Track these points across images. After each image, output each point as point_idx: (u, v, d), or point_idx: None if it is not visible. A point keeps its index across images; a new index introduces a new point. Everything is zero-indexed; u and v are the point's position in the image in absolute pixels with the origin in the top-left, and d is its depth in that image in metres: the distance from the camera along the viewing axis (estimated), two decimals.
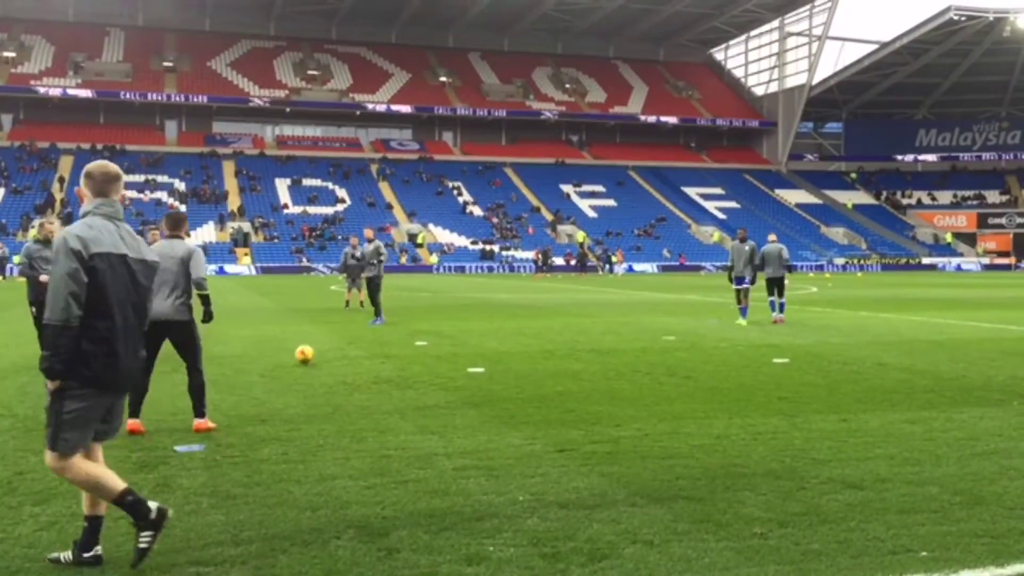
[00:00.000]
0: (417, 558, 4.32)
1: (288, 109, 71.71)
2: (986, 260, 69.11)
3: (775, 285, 17.95)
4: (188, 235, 8.00)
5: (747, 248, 17.68)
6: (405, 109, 73.36)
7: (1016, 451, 6.50)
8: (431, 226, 64.11)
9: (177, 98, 69.22)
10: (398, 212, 66.12)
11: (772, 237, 18.91)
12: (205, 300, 7.89)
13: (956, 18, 67.79)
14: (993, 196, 77.23)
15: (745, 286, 17.67)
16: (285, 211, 63.72)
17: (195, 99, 69.29)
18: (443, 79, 77.39)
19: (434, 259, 59.23)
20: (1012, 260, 68.44)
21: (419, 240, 61.60)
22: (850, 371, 10.82)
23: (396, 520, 4.90)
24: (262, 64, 73.84)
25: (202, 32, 75.15)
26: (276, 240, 59.77)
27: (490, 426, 7.49)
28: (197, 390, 7.45)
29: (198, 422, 7.38)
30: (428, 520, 4.89)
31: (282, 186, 66.78)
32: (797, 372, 10.76)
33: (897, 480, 5.70)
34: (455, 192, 69.80)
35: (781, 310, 17.97)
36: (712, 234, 61.44)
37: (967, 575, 4.05)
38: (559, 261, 58.16)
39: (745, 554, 4.34)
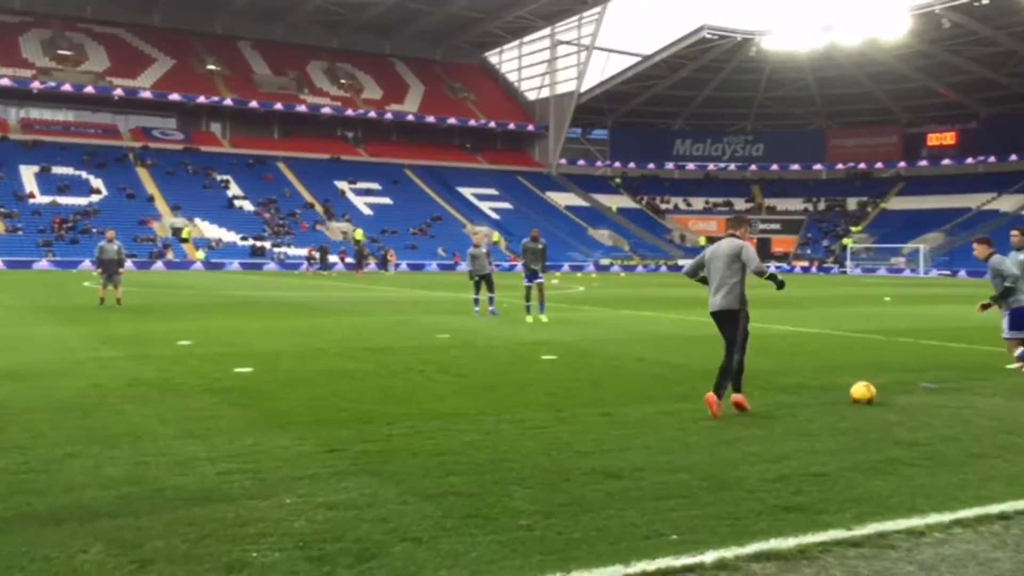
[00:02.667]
0: (173, 569, 4.09)
1: (35, 90, 66.05)
2: None
3: (485, 281, 19.53)
4: None
5: (540, 246, 18.73)
6: (170, 97, 69.61)
7: (756, 438, 7.07)
8: (197, 220, 61.25)
9: None
10: (161, 205, 62.68)
11: (477, 239, 20.55)
12: None
13: (709, 36, 72.96)
14: (740, 203, 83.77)
15: (539, 281, 18.33)
16: (31, 201, 58.72)
17: None
18: (211, 67, 74.09)
19: (201, 255, 56.63)
20: None
21: (184, 235, 58.69)
22: (613, 367, 11.37)
23: (151, 530, 4.62)
24: (5, 41, 67.56)
25: None
26: (20, 232, 54.94)
27: (257, 428, 7.24)
28: None
29: None
30: (187, 529, 4.65)
31: (28, 174, 61.49)
32: (564, 368, 11.16)
33: (652, 468, 6.04)
34: (223, 185, 67.08)
35: (491, 304, 19.54)
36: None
37: (712, 555, 4.34)
38: (333, 259, 57.28)
39: (511, 546, 4.45)
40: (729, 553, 4.37)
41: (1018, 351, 11.27)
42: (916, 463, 6.31)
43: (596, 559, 4.28)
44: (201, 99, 70.91)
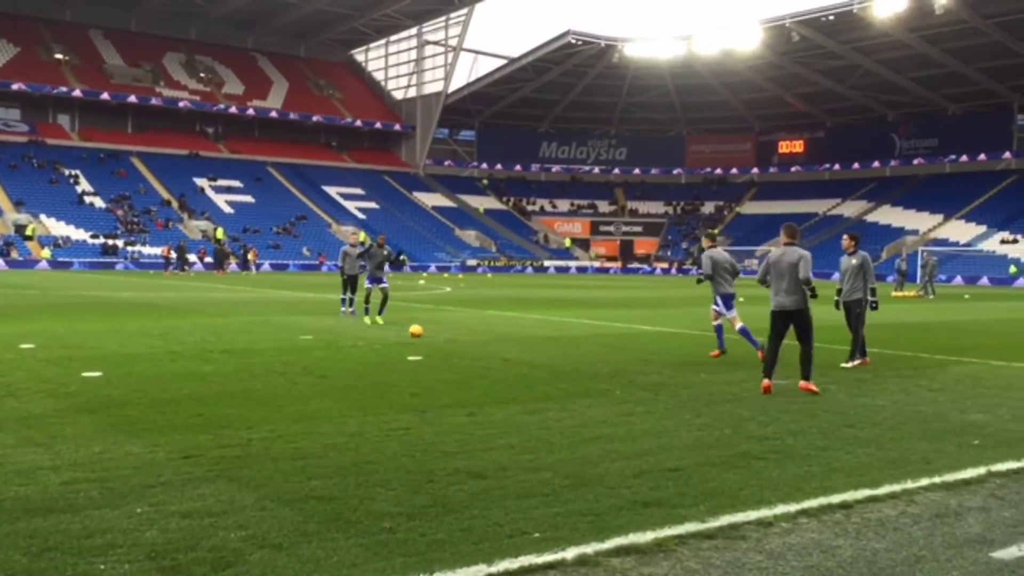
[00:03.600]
0: None
1: None
2: (597, 264, 76.48)
3: (351, 281, 19.65)
4: None
5: (384, 252, 18.92)
6: (13, 86, 65.67)
7: (617, 435, 7.24)
8: (43, 217, 58.03)
9: None
10: (3, 200, 59.07)
11: (353, 239, 20.98)
12: None
13: (574, 41, 74.24)
14: (604, 206, 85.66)
15: (383, 286, 18.29)
16: None
17: None
18: (59, 56, 70.33)
19: (46, 253, 53.67)
20: (619, 264, 76.36)
21: (28, 232, 55.49)
22: (479, 367, 11.41)
23: None
24: None
25: None
26: None
27: (106, 434, 6.92)
28: None
29: None
30: (28, 541, 4.39)
31: None
32: (430, 369, 11.13)
33: (516, 468, 6.09)
34: (72, 181, 63.80)
35: (351, 304, 19.67)
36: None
37: (573, 551, 4.42)
38: (192, 258, 55.33)
39: (373, 549, 4.40)
40: (589, 549, 4.46)
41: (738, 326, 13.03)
42: (766, 456, 6.60)
43: (459, 559, 4.28)
44: (48, 89, 67.21)
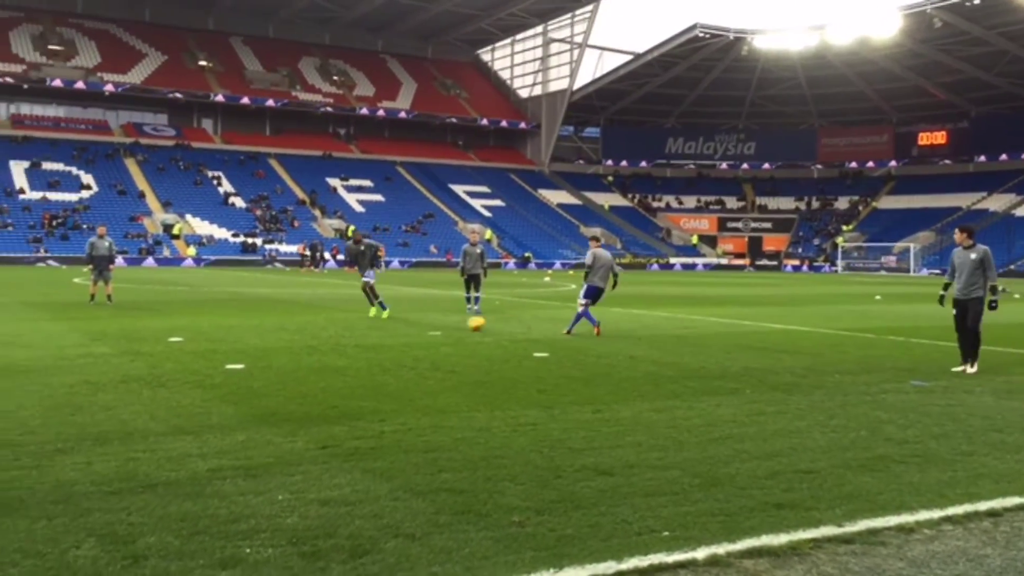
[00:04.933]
0: (166, 565, 4.09)
1: (26, 86, 65.77)
2: (724, 261, 75.03)
3: (473, 280, 19.45)
4: None
5: (362, 248, 19.10)
6: (161, 93, 69.40)
7: (747, 435, 7.10)
8: (188, 217, 61.09)
9: None
10: (152, 201, 62.48)
11: (474, 237, 20.53)
12: None
13: (701, 35, 73.03)
14: (732, 202, 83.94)
15: (365, 280, 18.70)
16: (21, 196, 58.46)
17: None
18: (202, 63, 73.89)
19: (191, 251, 56.46)
20: (747, 261, 74.70)
21: (175, 231, 58.52)
22: (604, 364, 11.38)
23: (144, 526, 4.62)
24: None
25: None
26: (10, 228, 54.70)
27: (249, 424, 7.24)
28: None
29: None
30: (179, 524, 4.65)
31: (18, 169, 61.22)
32: (556, 366, 11.18)
33: (644, 466, 6.06)
34: (215, 182, 66.92)
35: (476, 303, 19.40)
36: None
37: (704, 551, 4.36)
38: (325, 256, 57.17)
39: (504, 542, 4.46)
40: (721, 549, 4.40)
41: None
42: (906, 460, 6.35)
43: (588, 555, 4.29)
44: (193, 95, 70.74)
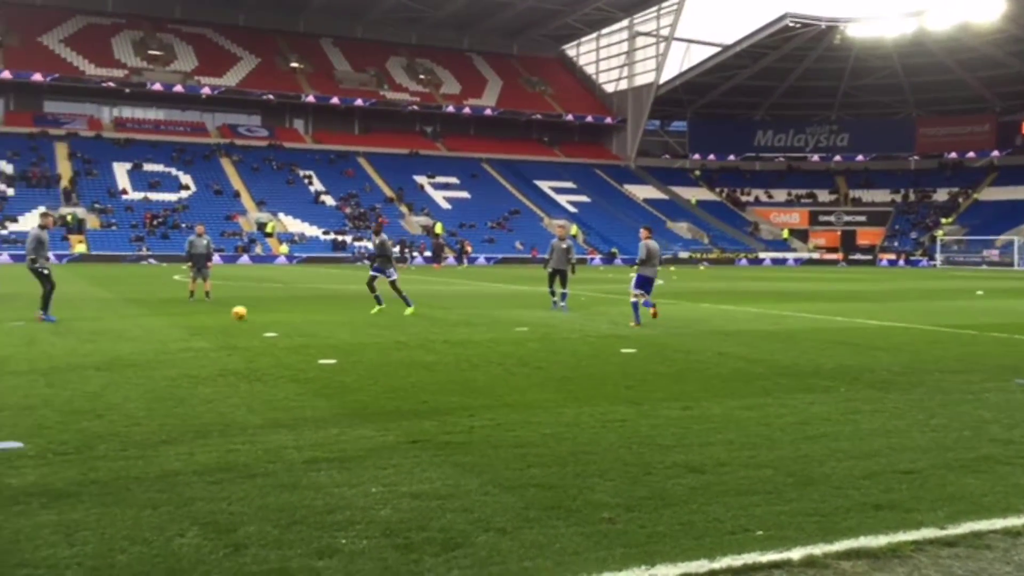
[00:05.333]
0: (266, 553, 4.21)
1: (128, 90, 68.36)
2: (816, 255, 73.30)
3: (560, 276, 19.12)
4: None
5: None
6: (255, 95, 71.29)
7: (843, 434, 6.93)
8: (281, 215, 62.59)
9: (4, 74, 64.78)
10: (246, 200, 64.20)
11: (561, 232, 20.11)
12: None
13: (792, 25, 71.45)
14: (824, 195, 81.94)
15: (384, 277, 18.33)
16: (124, 197, 60.76)
17: (24, 76, 65.03)
18: (294, 65, 75.57)
19: (284, 249, 57.85)
20: (840, 256, 72.82)
21: (268, 229, 60.02)
22: (693, 360, 11.26)
23: (244, 516, 4.76)
24: (99, 42, 70.05)
25: (33, 5, 70.60)
26: (114, 227, 56.92)
27: (341, 418, 7.39)
28: None
29: None
30: (277, 514, 4.78)
31: (121, 171, 63.64)
32: (644, 362, 11.10)
33: (736, 464, 5.97)
34: (306, 181, 68.39)
35: (563, 299, 19.17)
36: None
37: (799, 551, 4.28)
38: (413, 253, 57.92)
39: (594, 538, 4.45)
40: (817, 550, 4.31)
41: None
42: (1012, 461, 6.11)
43: (680, 553, 4.26)
44: (285, 96, 72.46)
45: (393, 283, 18.06)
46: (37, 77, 65.22)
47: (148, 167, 64.64)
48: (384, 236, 18.56)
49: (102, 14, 72.48)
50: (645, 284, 16.20)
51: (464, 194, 71.29)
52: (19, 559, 4.10)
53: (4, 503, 4.89)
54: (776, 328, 15.69)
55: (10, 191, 58.14)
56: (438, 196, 70.27)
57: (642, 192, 78.99)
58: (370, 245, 59.44)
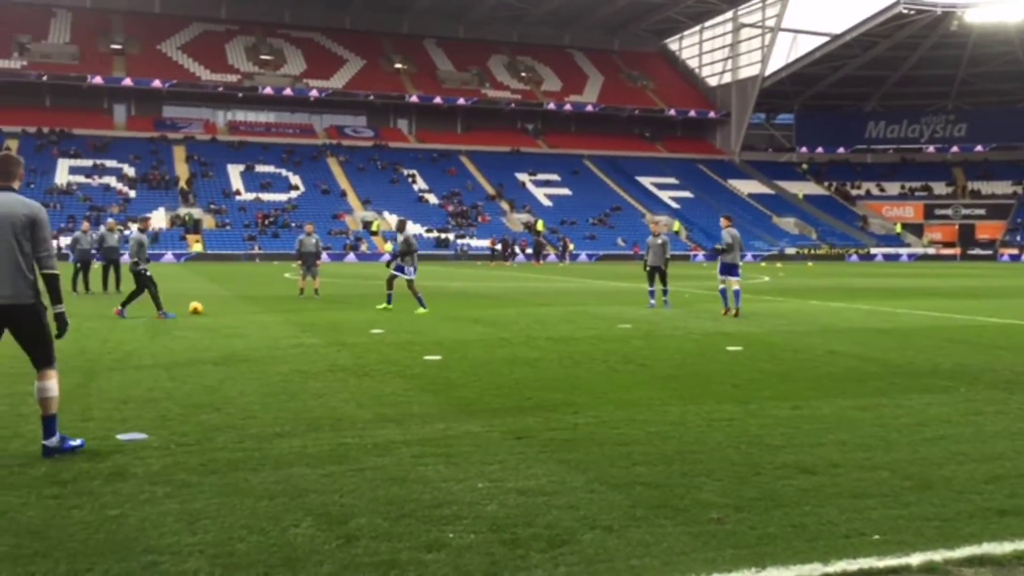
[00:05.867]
0: (377, 545, 4.30)
1: (240, 94, 70.75)
2: (931, 250, 70.56)
3: (659, 273, 18.84)
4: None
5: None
6: (360, 96, 72.81)
7: (963, 436, 6.66)
8: (386, 214, 63.76)
9: (126, 81, 67.91)
10: (352, 199, 65.63)
11: (656, 229, 19.79)
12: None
13: (905, 11, 68.95)
14: (940, 188, 78.81)
15: (406, 277, 17.92)
16: (238, 197, 62.91)
17: (145, 83, 68.00)
18: (398, 66, 76.88)
19: (388, 247, 58.92)
20: (957, 251, 69.90)
21: (374, 228, 61.23)
22: (802, 359, 10.99)
23: (355, 508, 4.87)
24: (214, 48, 72.74)
25: (152, 14, 73.81)
26: (228, 227, 59.00)
27: (448, 413, 7.49)
28: None
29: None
30: (387, 507, 4.87)
31: (234, 172, 65.92)
32: (750, 360, 10.89)
33: (849, 465, 5.80)
34: (410, 180, 69.49)
35: (665, 295, 19.04)
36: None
37: (918, 557, 4.13)
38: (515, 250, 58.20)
39: (702, 538, 4.40)
40: (937, 556, 4.15)
41: None
42: None
43: (792, 556, 4.16)
44: (389, 97, 73.77)
45: (410, 283, 17.72)
46: (156, 84, 68.13)
47: (259, 168, 66.75)
48: (408, 233, 18.32)
49: (216, 21, 75.19)
50: (730, 270, 16.97)
51: (565, 191, 71.24)
52: (145, 545, 4.29)
53: (131, 492, 5.12)
54: (889, 326, 15.17)
55: (132, 193, 60.89)
56: (539, 193, 70.41)
57: (747, 187, 77.46)
58: (473, 242, 60.10)
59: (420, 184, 68.98)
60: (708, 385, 8.99)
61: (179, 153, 67.21)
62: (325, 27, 77.49)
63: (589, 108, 78.27)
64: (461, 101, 75.07)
